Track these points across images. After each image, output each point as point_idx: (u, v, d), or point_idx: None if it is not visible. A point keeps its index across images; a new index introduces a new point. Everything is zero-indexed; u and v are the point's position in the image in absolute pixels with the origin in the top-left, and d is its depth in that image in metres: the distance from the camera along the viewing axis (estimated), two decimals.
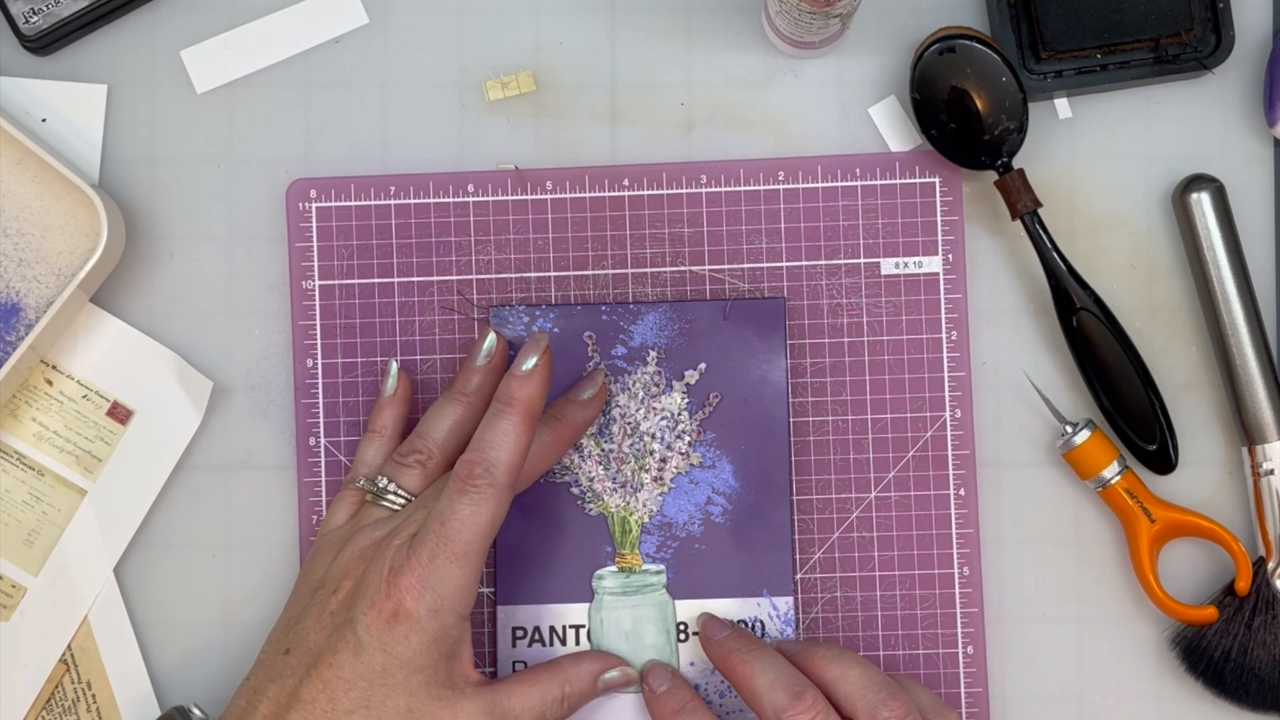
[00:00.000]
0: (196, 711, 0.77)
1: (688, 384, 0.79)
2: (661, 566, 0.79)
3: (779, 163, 0.81)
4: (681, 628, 0.78)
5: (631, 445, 0.79)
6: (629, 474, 0.79)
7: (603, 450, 0.79)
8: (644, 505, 0.79)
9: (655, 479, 0.79)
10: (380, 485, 0.75)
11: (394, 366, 0.79)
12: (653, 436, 0.79)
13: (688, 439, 0.79)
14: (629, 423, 0.79)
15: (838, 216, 0.80)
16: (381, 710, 0.69)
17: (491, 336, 0.76)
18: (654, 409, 0.79)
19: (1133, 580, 0.79)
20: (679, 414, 0.79)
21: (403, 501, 0.74)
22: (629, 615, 0.78)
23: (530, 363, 0.72)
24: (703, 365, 0.79)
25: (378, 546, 0.72)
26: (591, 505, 0.79)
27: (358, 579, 0.71)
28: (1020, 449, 0.80)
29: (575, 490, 0.79)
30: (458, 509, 0.70)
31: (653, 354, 0.79)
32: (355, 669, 0.69)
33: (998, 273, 0.81)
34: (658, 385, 0.79)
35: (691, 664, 0.78)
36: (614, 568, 0.79)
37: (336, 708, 0.69)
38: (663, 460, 0.79)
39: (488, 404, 0.75)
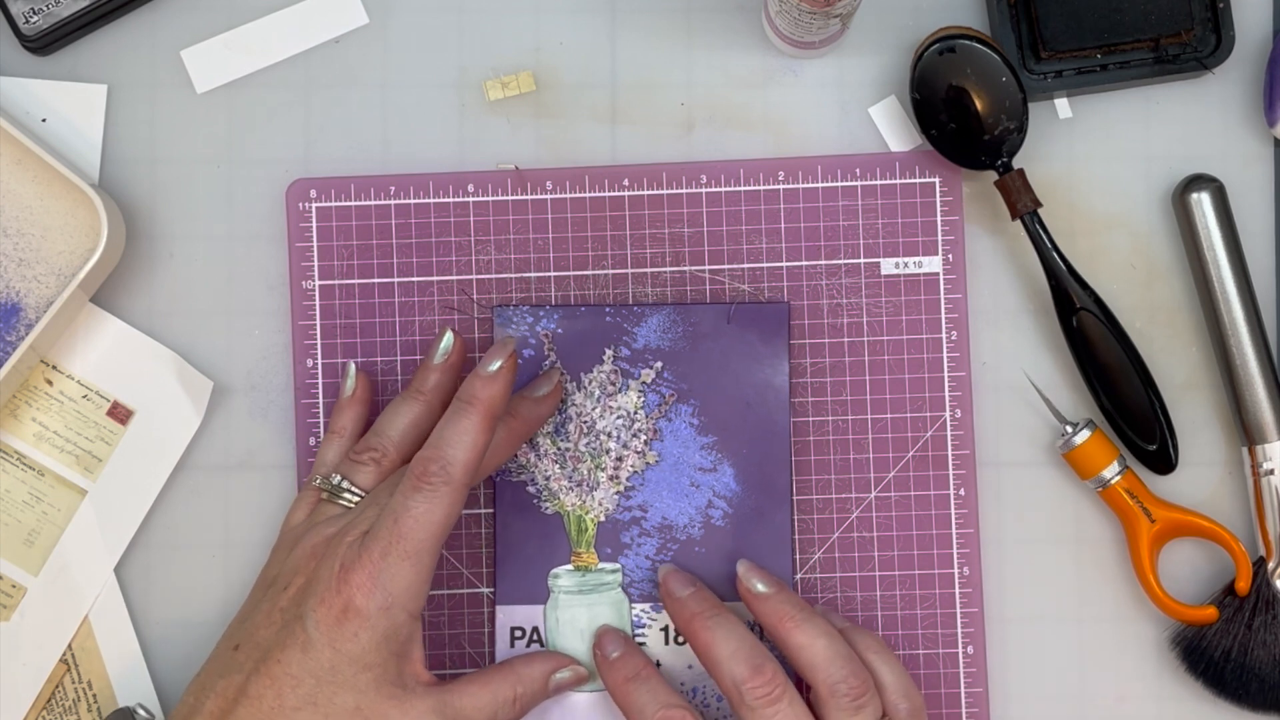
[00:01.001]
0: (142, 712, 0.78)
1: (644, 383, 0.79)
2: (618, 565, 0.79)
3: (779, 163, 0.81)
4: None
5: (588, 444, 0.79)
6: (585, 473, 0.79)
7: (559, 449, 0.79)
8: (600, 504, 0.79)
9: (611, 478, 0.79)
10: (335, 483, 0.74)
11: (352, 367, 0.78)
12: (609, 435, 0.79)
13: (644, 438, 0.79)
14: (585, 421, 0.79)
15: (838, 216, 0.80)
16: (329, 707, 0.69)
17: (449, 335, 0.76)
18: (610, 408, 0.79)
19: (1133, 580, 0.79)
20: (635, 413, 0.79)
21: (357, 499, 0.74)
22: (585, 614, 0.78)
23: (495, 364, 0.72)
24: (659, 364, 0.79)
25: (329, 543, 0.71)
26: (547, 504, 0.79)
27: (309, 575, 0.71)
28: (1020, 449, 0.80)
29: (531, 489, 0.79)
30: (411, 506, 0.69)
31: (608, 353, 0.79)
32: (303, 665, 0.69)
33: (998, 273, 0.81)
34: (614, 384, 0.79)
35: (690, 666, 0.78)
36: (570, 566, 0.79)
37: (284, 704, 0.69)
38: (619, 459, 0.79)
39: (445, 403, 0.75)
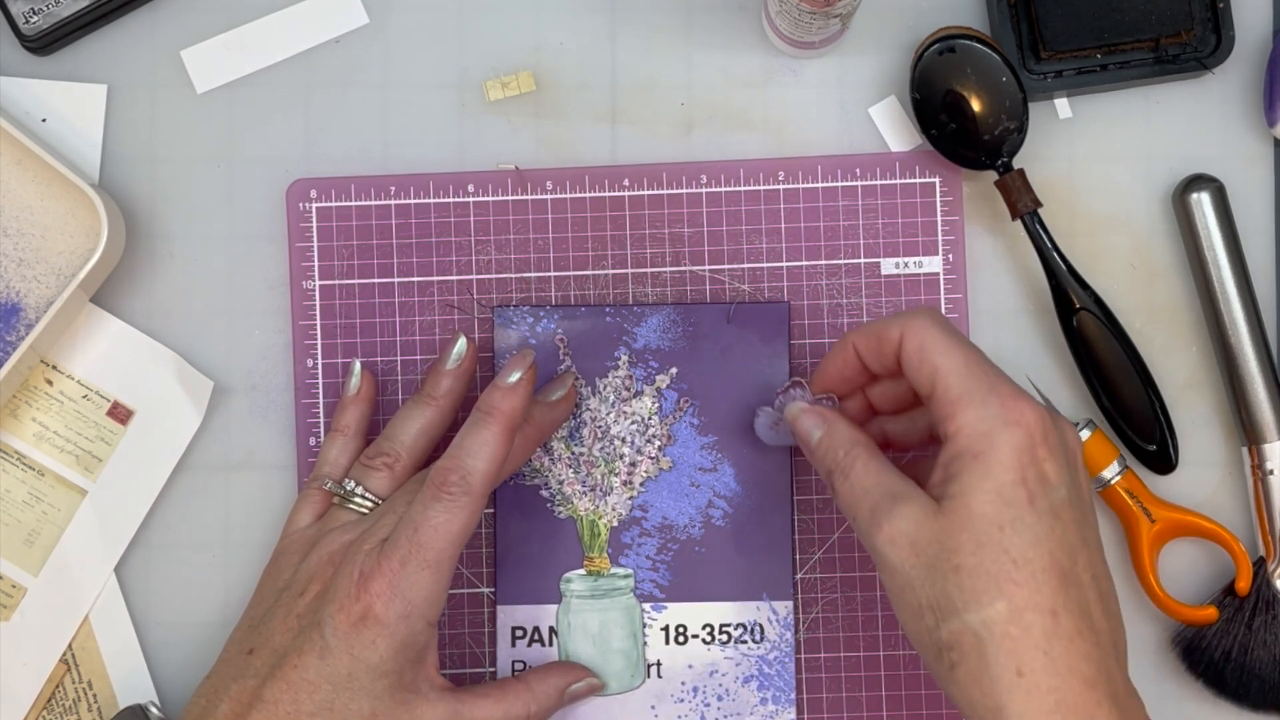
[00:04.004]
0: (154, 710, 0.78)
1: (659, 388, 0.79)
2: (630, 570, 0.79)
3: (779, 163, 0.81)
4: (680, 629, 0.78)
5: (601, 449, 0.79)
6: (598, 477, 0.79)
7: (573, 453, 0.79)
8: (613, 509, 0.79)
9: (625, 483, 0.79)
10: (348, 488, 0.75)
11: (357, 366, 0.78)
12: (623, 440, 0.79)
13: (658, 444, 0.79)
14: (599, 426, 0.79)
15: (838, 216, 0.80)
16: (345, 713, 0.69)
17: (463, 341, 0.76)
18: (624, 413, 0.79)
19: (1133, 580, 0.79)
20: (649, 418, 0.79)
21: (370, 505, 0.74)
22: (596, 619, 0.78)
23: (515, 376, 0.72)
24: (674, 370, 0.79)
25: (347, 550, 0.71)
26: (560, 508, 0.79)
27: (326, 582, 0.71)
28: None
29: (545, 493, 0.79)
30: (431, 516, 0.70)
31: (624, 358, 0.79)
32: (320, 671, 0.69)
33: (998, 273, 0.81)
34: (628, 389, 0.79)
35: (690, 666, 0.79)
36: (582, 571, 0.79)
37: (300, 709, 0.69)
38: (632, 464, 0.79)
39: (456, 408, 0.76)
